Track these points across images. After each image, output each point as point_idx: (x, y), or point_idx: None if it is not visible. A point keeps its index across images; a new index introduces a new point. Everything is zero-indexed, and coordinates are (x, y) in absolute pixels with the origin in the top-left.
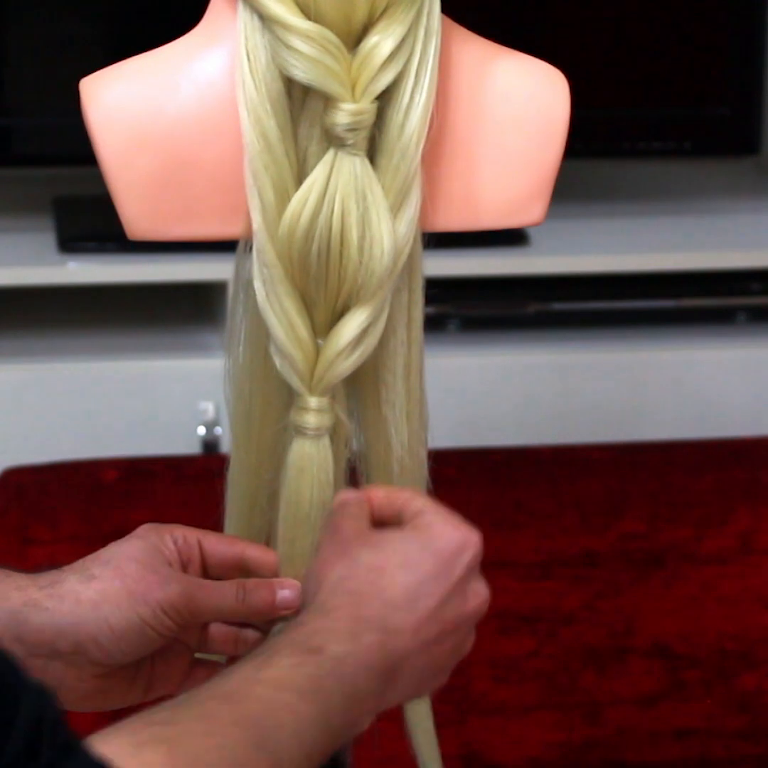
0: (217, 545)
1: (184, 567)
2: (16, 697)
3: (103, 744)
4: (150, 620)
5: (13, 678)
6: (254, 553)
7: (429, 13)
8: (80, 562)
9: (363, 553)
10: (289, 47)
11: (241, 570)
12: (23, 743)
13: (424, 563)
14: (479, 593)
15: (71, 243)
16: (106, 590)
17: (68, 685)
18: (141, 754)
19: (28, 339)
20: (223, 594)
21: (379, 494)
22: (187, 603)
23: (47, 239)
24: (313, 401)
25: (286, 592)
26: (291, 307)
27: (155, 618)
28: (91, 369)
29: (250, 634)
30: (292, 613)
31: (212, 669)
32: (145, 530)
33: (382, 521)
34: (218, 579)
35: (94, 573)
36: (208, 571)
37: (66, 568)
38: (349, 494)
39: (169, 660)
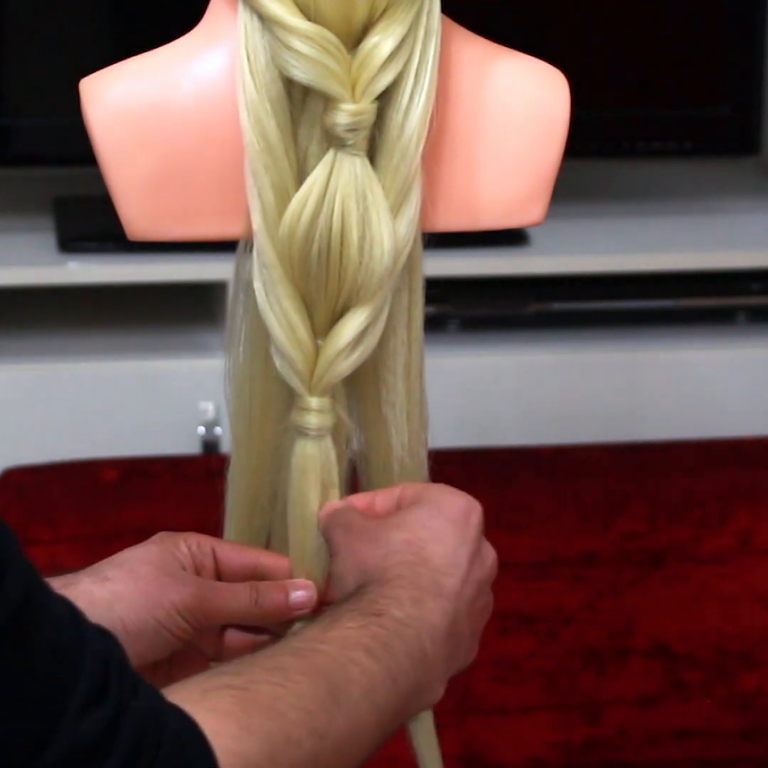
0: (230, 553)
1: (198, 573)
2: (81, 639)
3: (170, 693)
4: (165, 622)
5: (77, 623)
6: (268, 560)
7: (429, 13)
8: (94, 565)
9: (394, 534)
10: (288, 48)
11: (255, 578)
12: (92, 684)
13: (447, 532)
14: (490, 554)
15: (71, 243)
16: (120, 591)
17: None
18: (208, 699)
19: (28, 339)
20: (237, 596)
21: (366, 498)
22: (201, 605)
23: (47, 239)
24: (313, 402)
25: (299, 592)
26: (291, 308)
27: (170, 619)
28: (91, 369)
29: (267, 643)
30: (307, 613)
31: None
32: (159, 536)
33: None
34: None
35: (108, 575)
36: (222, 578)
37: (80, 571)
38: (334, 503)
39: (185, 666)
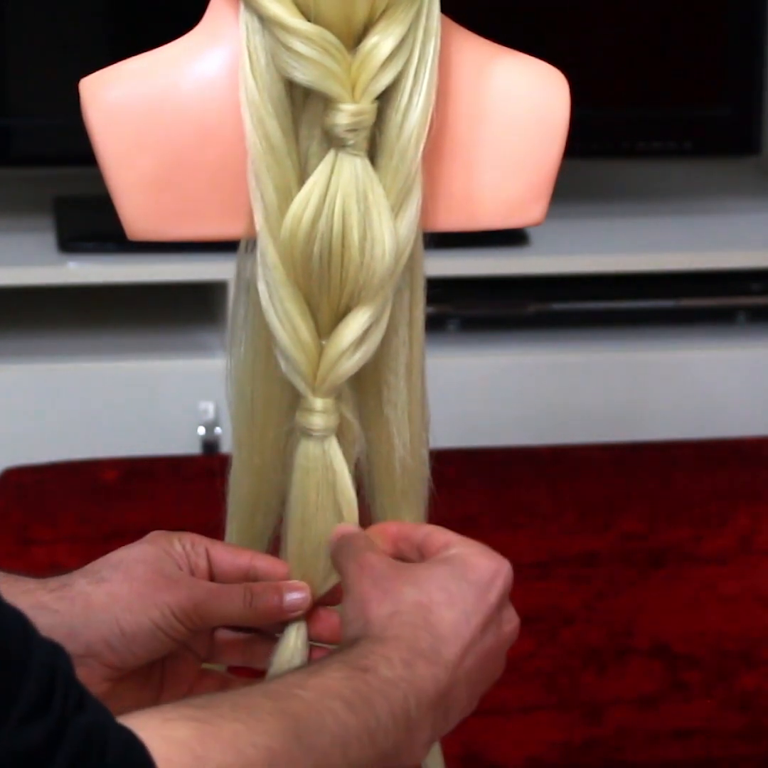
0: (224, 554)
1: (192, 573)
2: (29, 651)
3: (130, 719)
4: (160, 623)
5: (25, 634)
6: (262, 563)
7: (429, 13)
8: (89, 565)
9: (407, 591)
10: (288, 49)
11: (249, 580)
12: (36, 694)
13: (465, 597)
14: (512, 619)
15: (71, 243)
16: (116, 593)
17: None
18: (166, 727)
19: (28, 339)
20: (232, 598)
21: (393, 529)
22: (195, 607)
23: (47, 239)
24: (318, 403)
25: (294, 594)
26: (294, 309)
27: (165, 621)
28: (91, 369)
29: (258, 643)
30: (301, 615)
31: (220, 678)
32: (153, 536)
33: (401, 555)
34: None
35: (103, 576)
36: (215, 579)
37: (75, 572)
38: (348, 527)
39: (179, 666)
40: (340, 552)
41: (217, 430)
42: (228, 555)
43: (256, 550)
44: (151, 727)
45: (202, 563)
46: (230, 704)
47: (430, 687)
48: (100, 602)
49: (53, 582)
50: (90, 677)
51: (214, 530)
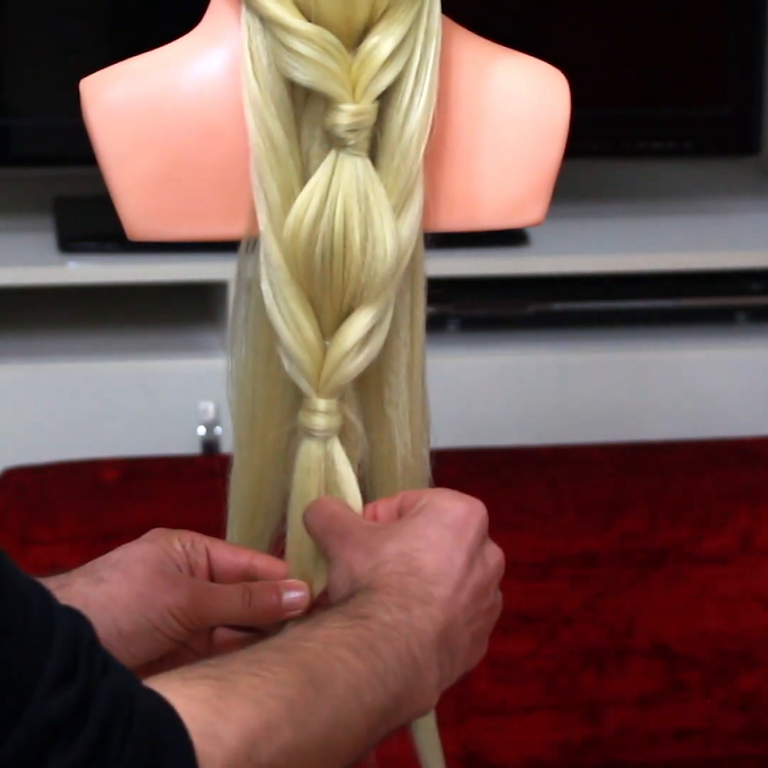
0: (224, 553)
1: (191, 572)
2: (51, 619)
3: (149, 681)
4: (158, 623)
5: (45, 602)
6: (261, 562)
7: (429, 14)
8: (88, 564)
9: (387, 545)
10: (289, 49)
11: (247, 579)
12: (61, 663)
13: (443, 539)
14: (495, 553)
15: (71, 243)
16: (114, 593)
17: None
18: (187, 687)
19: (28, 339)
20: (230, 598)
21: (368, 511)
22: (195, 607)
23: (47, 239)
24: (321, 403)
25: (293, 593)
26: (298, 309)
27: (163, 621)
28: (91, 369)
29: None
30: (301, 614)
31: None
32: (154, 534)
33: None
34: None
35: (102, 575)
36: (214, 578)
37: (74, 571)
38: (326, 501)
39: (177, 666)
40: (322, 530)
41: (217, 430)
42: (228, 554)
43: (257, 549)
44: (173, 688)
45: (202, 562)
46: (243, 661)
47: (429, 627)
48: (98, 603)
49: (52, 582)
50: None
51: (215, 530)
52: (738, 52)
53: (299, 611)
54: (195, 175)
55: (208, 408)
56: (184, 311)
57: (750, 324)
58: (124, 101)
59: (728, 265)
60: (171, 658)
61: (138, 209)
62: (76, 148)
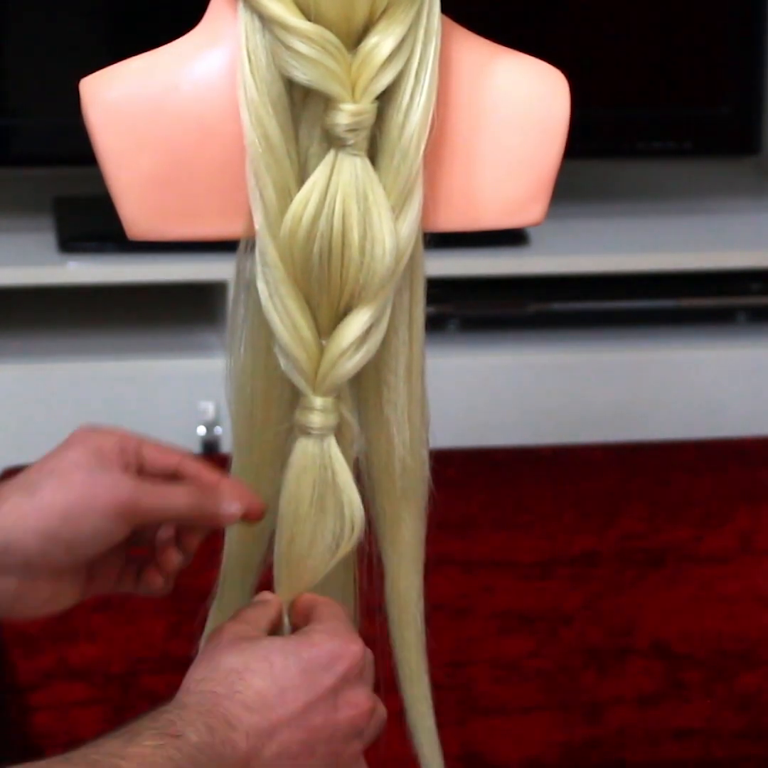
0: (155, 453)
1: (123, 471)
2: None
3: None
4: (99, 524)
5: None
6: (192, 465)
7: (429, 13)
8: (23, 475)
9: (225, 658)
10: (288, 48)
11: (176, 479)
12: None
13: (287, 670)
14: (355, 704)
15: (71, 243)
16: (52, 504)
17: (24, 594)
18: None
19: (28, 339)
20: (177, 496)
21: (302, 601)
22: (137, 505)
23: (47, 239)
24: (317, 401)
25: (235, 503)
26: (294, 307)
27: (105, 521)
28: (91, 369)
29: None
30: (251, 520)
31: (148, 568)
32: (83, 434)
33: (295, 627)
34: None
35: (38, 485)
36: (145, 477)
37: (3, 485)
38: (267, 595)
39: (107, 559)
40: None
41: (217, 429)
42: (158, 453)
43: (257, 550)
44: None
45: (133, 460)
46: None
47: (228, 751)
48: (35, 515)
49: None
50: (33, 584)
51: (214, 529)
52: (738, 52)
53: (233, 521)
54: (195, 175)
55: (208, 408)
56: (184, 311)
57: (750, 324)
58: (124, 101)
59: (728, 265)
60: (110, 558)
61: (138, 209)
62: (76, 148)
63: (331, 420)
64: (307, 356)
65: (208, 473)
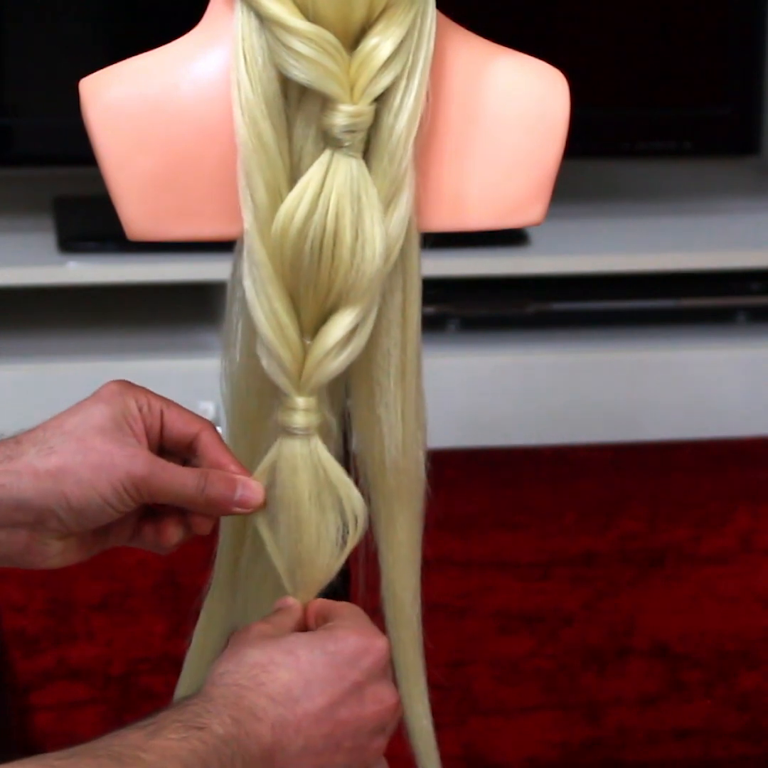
0: (178, 420)
1: (146, 433)
2: None
3: None
4: (109, 497)
5: None
6: (208, 438)
7: (425, 16)
8: (41, 430)
9: (250, 652)
10: (288, 48)
11: (191, 450)
12: None
13: (313, 664)
14: (380, 699)
15: (71, 243)
16: (66, 465)
17: (34, 548)
18: None
19: (28, 339)
20: (185, 481)
21: (316, 604)
22: (147, 484)
23: (47, 239)
24: (300, 401)
25: (247, 491)
26: (280, 306)
27: (115, 495)
28: (91, 369)
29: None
30: (248, 512)
31: (160, 526)
32: (110, 393)
33: (309, 629)
34: (172, 451)
35: (54, 446)
36: (164, 442)
37: (24, 438)
38: (289, 600)
39: (121, 520)
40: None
41: (218, 429)
42: (180, 421)
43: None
44: None
45: (156, 425)
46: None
47: (253, 744)
48: (49, 474)
49: (0, 452)
50: (43, 538)
51: (214, 530)
52: (738, 52)
53: (248, 510)
54: (194, 175)
55: (208, 408)
56: (184, 311)
57: (750, 324)
58: (124, 101)
59: (728, 265)
60: (123, 519)
61: (138, 209)
62: (76, 148)
63: (315, 419)
64: (292, 356)
65: (221, 452)
